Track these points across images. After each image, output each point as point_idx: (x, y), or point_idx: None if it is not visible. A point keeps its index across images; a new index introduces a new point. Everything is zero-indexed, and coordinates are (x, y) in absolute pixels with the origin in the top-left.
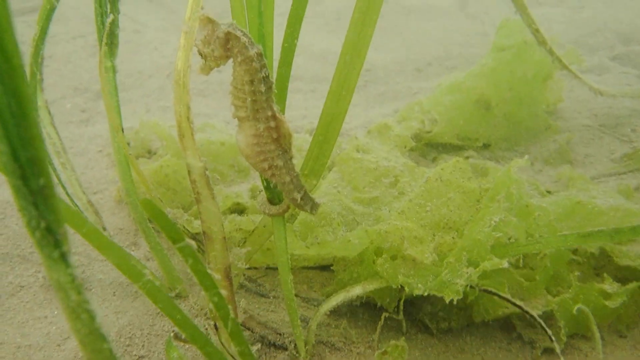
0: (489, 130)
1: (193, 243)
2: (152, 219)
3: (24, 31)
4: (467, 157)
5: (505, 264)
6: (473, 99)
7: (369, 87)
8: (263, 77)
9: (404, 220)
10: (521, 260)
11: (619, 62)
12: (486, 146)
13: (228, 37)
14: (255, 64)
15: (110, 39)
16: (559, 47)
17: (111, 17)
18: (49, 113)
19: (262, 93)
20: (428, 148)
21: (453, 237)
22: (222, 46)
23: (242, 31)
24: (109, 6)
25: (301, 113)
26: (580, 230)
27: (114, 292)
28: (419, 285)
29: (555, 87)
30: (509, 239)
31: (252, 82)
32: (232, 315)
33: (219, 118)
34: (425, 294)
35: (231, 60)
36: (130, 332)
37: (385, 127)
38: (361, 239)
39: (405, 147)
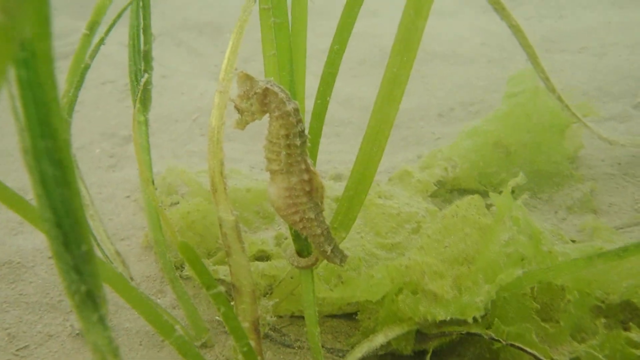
0: (510, 175)
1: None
2: (188, 264)
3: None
4: (491, 205)
5: (520, 272)
6: (491, 142)
7: (393, 132)
8: (299, 131)
9: (424, 256)
10: (535, 289)
11: None
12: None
13: (266, 93)
14: (292, 118)
15: (143, 95)
16: (582, 94)
17: (146, 76)
18: (77, 167)
19: (297, 147)
20: (451, 194)
21: (469, 267)
22: (260, 101)
23: (279, 87)
24: (142, 63)
25: (325, 158)
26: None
27: (141, 342)
28: (441, 312)
29: (575, 134)
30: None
31: (287, 136)
32: None
33: (244, 163)
34: (448, 318)
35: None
36: None
37: (406, 173)
38: (383, 275)
39: (427, 192)
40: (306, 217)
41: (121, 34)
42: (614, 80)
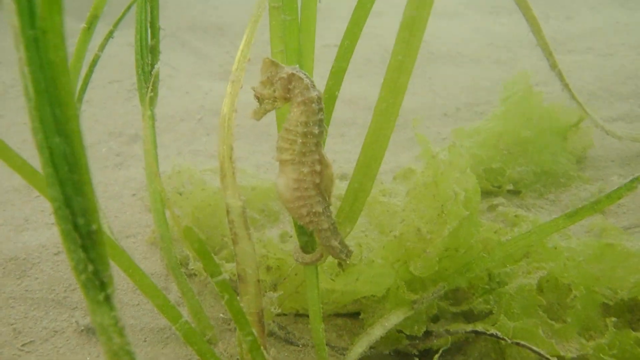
0: (515, 172)
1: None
2: (192, 249)
3: None
4: (497, 205)
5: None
6: (492, 139)
7: (399, 131)
8: (319, 119)
9: (409, 223)
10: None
11: None
12: (516, 193)
13: (291, 79)
14: (314, 105)
15: (151, 89)
16: (589, 94)
17: (157, 67)
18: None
19: (315, 135)
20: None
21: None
22: (284, 87)
23: (304, 74)
24: (150, 57)
25: (330, 157)
26: (568, 212)
27: (145, 339)
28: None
29: (584, 133)
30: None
31: (307, 123)
32: (265, 356)
33: (249, 162)
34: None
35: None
36: None
37: (410, 171)
38: (382, 256)
39: None
40: (313, 210)
41: (127, 35)
42: (620, 80)
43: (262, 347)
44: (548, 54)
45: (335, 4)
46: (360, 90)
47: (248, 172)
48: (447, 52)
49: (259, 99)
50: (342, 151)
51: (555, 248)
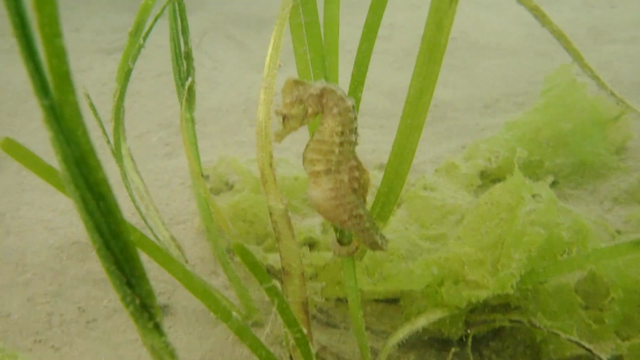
0: (554, 164)
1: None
2: (242, 262)
3: (114, 68)
4: (535, 196)
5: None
6: (532, 133)
7: (437, 122)
8: (354, 127)
9: (462, 246)
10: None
11: None
12: (554, 184)
13: (323, 93)
14: (350, 114)
15: (188, 94)
16: (631, 85)
17: (190, 80)
18: (132, 160)
19: (351, 143)
20: (494, 185)
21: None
22: (316, 102)
23: (335, 85)
24: (185, 63)
25: (370, 147)
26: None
27: (197, 319)
28: (483, 292)
29: (624, 125)
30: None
31: (342, 133)
32: (312, 350)
33: (291, 151)
34: (490, 295)
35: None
36: (212, 358)
37: (453, 166)
38: (423, 269)
39: (472, 186)
40: (354, 214)
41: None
42: None
43: (309, 342)
44: (583, 64)
45: None
46: (399, 82)
47: (290, 162)
48: (486, 43)
49: (284, 119)
50: (381, 142)
51: (596, 250)
